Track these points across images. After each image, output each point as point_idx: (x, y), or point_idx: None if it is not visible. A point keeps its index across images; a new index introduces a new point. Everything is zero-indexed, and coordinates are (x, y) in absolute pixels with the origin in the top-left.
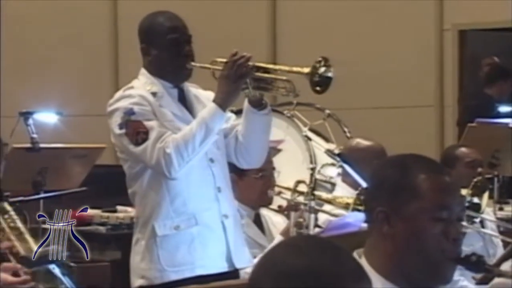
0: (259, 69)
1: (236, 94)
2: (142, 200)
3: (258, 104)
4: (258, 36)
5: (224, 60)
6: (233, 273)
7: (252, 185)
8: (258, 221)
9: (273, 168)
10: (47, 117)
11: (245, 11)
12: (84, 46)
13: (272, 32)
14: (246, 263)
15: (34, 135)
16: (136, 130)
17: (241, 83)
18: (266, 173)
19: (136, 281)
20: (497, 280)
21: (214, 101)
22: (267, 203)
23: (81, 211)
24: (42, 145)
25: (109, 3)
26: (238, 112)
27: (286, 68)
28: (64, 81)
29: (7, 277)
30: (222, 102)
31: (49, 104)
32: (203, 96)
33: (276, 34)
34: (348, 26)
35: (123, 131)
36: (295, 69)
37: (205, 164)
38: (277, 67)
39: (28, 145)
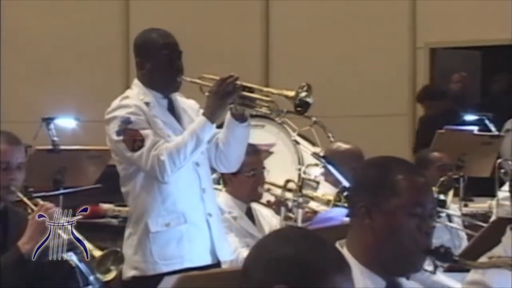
0: (245, 88)
1: (224, 109)
2: (135, 200)
3: (240, 117)
4: (251, 50)
5: (211, 76)
6: (217, 266)
7: (244, 182)
8: (249, 214)
9: (264, 167)
10: (66, 122)
11: (240, 28)
12: (99, 60)
13: (265, 47)
14: (228, 256)
15: (55, 138)
16: (133, 138)
17: (228, 99)
18: (257, 171)
19: (129, 271)
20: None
21: (203, 114)
22: (257, 198)
23: (96, 205)
24: (61, 147)
25: (121, 20)
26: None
27: (273, 90)
28: (81, 90)
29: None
30: (211, 116)
31: (68, 110)
32: (187, 105)
33: (269, 49)
34: (332, 44)
35: (121, 137)
36: (279, 91)
37: (192, 167)
38: (264, 88)
39: (50, 147)
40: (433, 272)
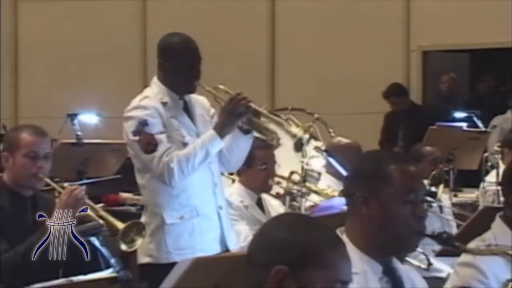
0: (256, 113)
1: (233, 127)
2: (151, 193)
3: (245, 131)
4: (258, 49)
5: (226, 89)
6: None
7: (256, 174)
8: (259, 204)
9: (275, 161)
10: (89, 118)
11: (247, 28)
12: (118, 60)
13: (270, 46)
14: (235, 245)
15: (79, 133)
16: (147, 141)
17: (238, 120)
18: (268, 165)
19: (143, 258)
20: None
21: (214, 129)
22: (268, 189)
23: (116, 194)
24: (85, 141)
25: (139, 22)
26: None
27: (280, 120)
28: (102, 88)
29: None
30: (221, 131)
31: (91, 107)
32: (199, 102)
33: (274, 48)
34: (333, 47)
35: (137, 138)
36: (287, 126)
37: (206, 165)
38: (273, 117)
39: (74, 140)
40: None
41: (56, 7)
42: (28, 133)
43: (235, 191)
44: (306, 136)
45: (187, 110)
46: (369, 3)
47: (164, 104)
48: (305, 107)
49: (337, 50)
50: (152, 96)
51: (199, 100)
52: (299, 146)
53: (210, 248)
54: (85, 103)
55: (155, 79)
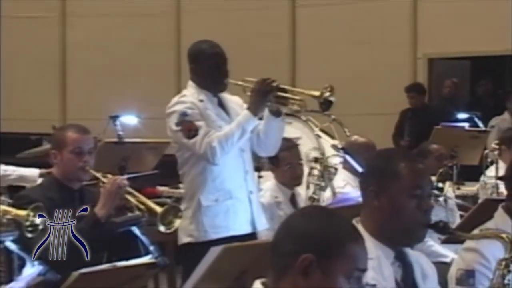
0: (280, 89)
1: (263, 105)
2: (190, 180)
3: (275, 113)
4: (280, 52)
5: (252, 79)
6: (254, 234)
7: (283, 174)
8: (293, 200)
9: (300, 159)
10: (129, 119)
11: (270, 33)
12: (155, 67)
13: (292, 50)
14: (264, 226)
15: (120, 133)
16: (189, 128)
17: (267, 97)
18: (292, 165)
19: (184, 238)
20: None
21: (248, 108)
22: (297, 185)
23: (154, 188)
24: (125, 140)
25: (174, 33)
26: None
27: (301, 90)
28: (141, 93)
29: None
30: (253, 110)
31: (131, 109)
32: (233, 100)
33: (295, 52)
34: (348, 54)
35: (179, 128)
36: (308, 92)
37: (238, 153)
38: (295, 89)
39: (116, 139)
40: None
41: (100, 21)
42: (73, 132)
43: (270, 188)
44: (328, 93)
45: (222, 105)
46: (381, 15)
47: (200, 101)
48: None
49: (352, 56)
50: (190, 95)
51: (233, 99)
52: (326, 105)
53: (241, 228)
54: (126, 105)
55: (190, 82)
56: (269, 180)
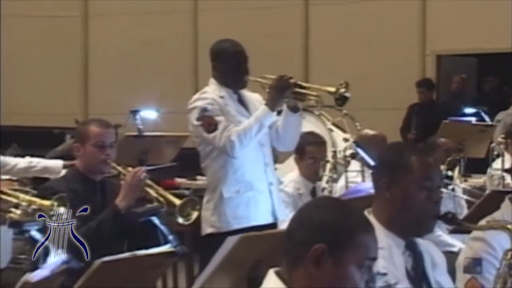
0: (297, 85)
1: (281, 100)
2: (212, 173)
3: (293, 109)
4: (293, 50)
5: (270, 76)
6: (275, 224)
7: (306, 167)
8: (313, 192)
9: (325, 156)
10: (149, 114)
11: (284, 32)
12: (173, 64)
13: (305, 48)
14: (284, 216)
15: (140, 126)
16: (209, 123)
17: (285, 93)
18: (316, 160)
19: (207, 229)
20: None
21: (266, 104)
22: (317, 180)
23: (172, 179)
24: (145, 133)
25: (191, 31)
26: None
27: (318, 86)
28: (160, 89)
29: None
30: (271, 106)
31: (150, 104)
32: (253, 97)
33: (308, 50)
34: (359, 51)
35: (200, 122)
36: (324, 88)
37: (257, 147)
38: (311, 85)
39: (136, 133)
40: None
41: (120, 20)
42: (96, 126)
43: (293, 179)
44: (343, 89)
45: (242, 102)
46: (391, 14)
47: (221, 97)
48: (333, 103)
49: (363, 54)
50: (211, 91)
51: (253, 96)
52: (341, 100)
53: (262, 218)
54: (146, 101)
55: (212, 79)
56: (291, 172)
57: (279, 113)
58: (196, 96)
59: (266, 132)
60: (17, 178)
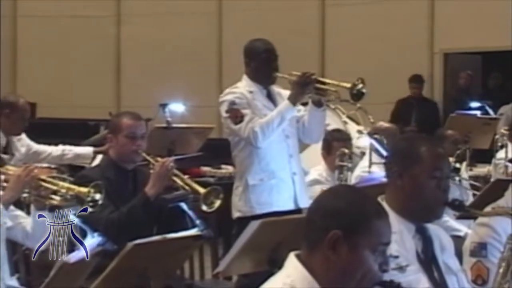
0: (319, 82)
1: (303, 96)
2: (239, 161)
3: (317, 104)
4: (310, 49)
5: (297, 73)
6: (297, 211)
7: (333, 161)
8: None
9: (352, 153)
10: (177, 107)
11: (301, 31)
12: (199, 61)
13: (321, 47)
14: (306, 204)
15: (169, 119)
16: (235, 115)
17: (306, 89)
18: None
19: (235, 213)
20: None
21: (288, 98)
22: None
23: (198, 168)
24: (173, 125)
25: (216, 30)
26: (305, 104)
27: (336, 82)
28: (187, 83)
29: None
30: (293, 100)
31: (178, 98)
32: (283, 93)
33: (324, 49)
34: (372, 49)
35: (228, 114)
36: (342, 84)
37: (283, 139)
38: (331, 81)
39: (164, 125)
40: None
41: (150, 19)
42: (128, 118)
43: (322, 172)
44: (360, 85)
45: (270, 97)
46: (401, 14)
47: (250, 92)
48: (349, 98)
49: (376, 51)
50: (241, 86)
51: (282, 92)
52: (358, 95)
53: (284, 204)
54: (174, 95)
55: (244, 76)
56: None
57: (304, 104)
58: (227, 90)
59: (292, 125)
60: (55, 166)
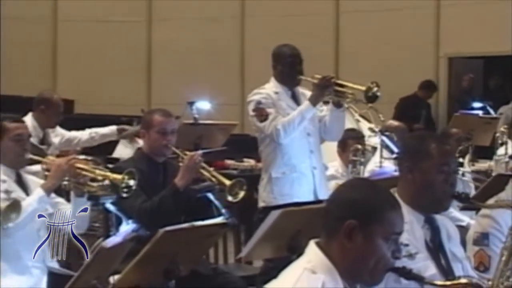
0: (337, 84)
1: (322, 97)
2: (265, 156)
3: (337, 105)
4: (324, 54)
5: (319, 76)
6: (317, 202)
7: (347, 158)
8: None
9: (366, 150)
10: (203, 105)
11: (317, 36)
12: (223, 62)
13: (335, 52)
14: (325, 196)
15: (196, 116)
16: (261, 113)
17: (326, 91)
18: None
19: (260, 203)
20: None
21: (308, 99)
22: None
23: (222, 161)
24: (200, 122)
25: (238, 34)
26: (326, 102)
27: (353, 85)
28: (213, 83)
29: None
30: (313, 101)
31: (204, 96)
32: (307, 94)
33: (338, 54)
34: (383, 54)
35: (254, 113)
36: (358, 86)
37: (304, 136)
38: (348, 84)
39: (192, 121)
40: None
41: (179, 23)
42: (159, 115)
43: (338, 169)
44: (375, 88)
45: (295, 98)
46: (409, 21)
47: (275, 93)
48: (362, 98)
49: (386, 56)
50: (268, 88)
51: (306, 93)
52: (373, 98)
53: (304, 196)
54: (200, 93)
55: (272, 78)
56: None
57: (326, 103)
58: (255, 90)
59: (314, 124)
60: (91, 158)
